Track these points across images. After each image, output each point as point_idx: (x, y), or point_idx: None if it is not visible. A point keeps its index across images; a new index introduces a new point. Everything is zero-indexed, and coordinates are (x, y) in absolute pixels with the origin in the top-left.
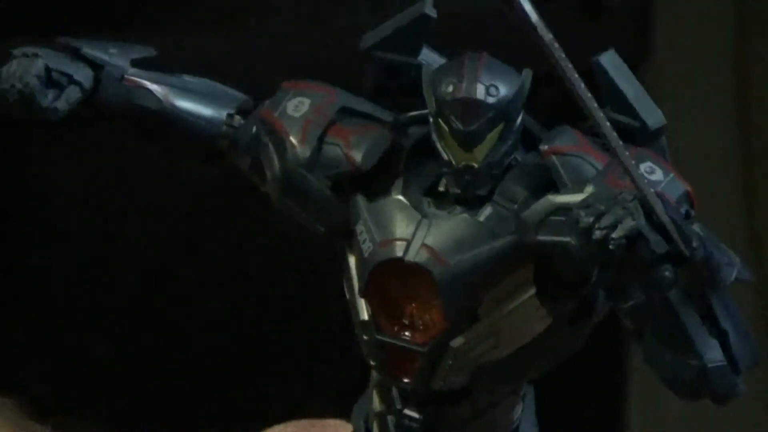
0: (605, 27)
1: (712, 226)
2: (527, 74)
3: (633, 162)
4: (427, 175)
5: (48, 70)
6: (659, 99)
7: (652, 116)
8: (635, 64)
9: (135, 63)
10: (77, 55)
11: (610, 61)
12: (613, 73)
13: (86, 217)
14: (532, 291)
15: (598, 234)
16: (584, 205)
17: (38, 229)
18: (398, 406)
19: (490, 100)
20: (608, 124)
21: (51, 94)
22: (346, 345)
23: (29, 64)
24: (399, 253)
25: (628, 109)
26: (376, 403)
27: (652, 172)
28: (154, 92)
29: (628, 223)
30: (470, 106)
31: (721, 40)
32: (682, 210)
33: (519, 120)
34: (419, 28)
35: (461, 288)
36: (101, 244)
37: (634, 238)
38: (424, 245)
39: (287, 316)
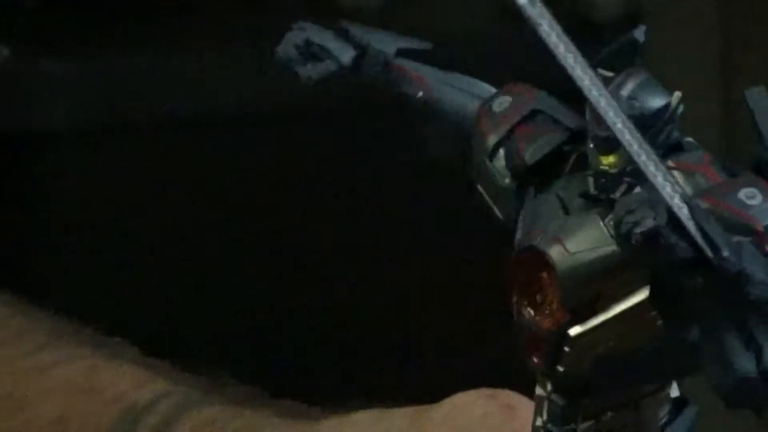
0: (598, 42)
1: None
2: (677, 96)
3: (657, 170)
4: (586, 178)
5: (309, 43)
6: None
7: None
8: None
9: (401, 52)
10: (346, 37)
11: (755, 97)
12: (755, 109)
13: (102, 228)
14: (645, 294)
15: (623, 228)
16: (623, 202)
17: (52, 239)
18: (547, 391)
19: (628, 110)
20: (627, 134)
21: (309, 64)
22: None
23: (293, 36)
24: (535, 241)
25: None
26: (538, 388)
27: (752, 197)
28: (415, 80)
29: (649, 222)
30: None
31: (706, 56)
32: None
33: (664, 133)
34: (630, 49)
35: (578, 279)
36: (117, 254)
37: (653, 236)
38: (555, 237)
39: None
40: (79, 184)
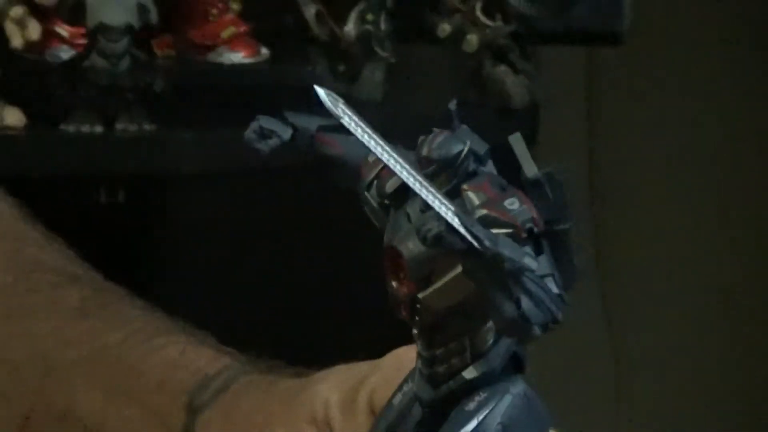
0: (511, 123)
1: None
2: (467, 144)
3: (432, 193)
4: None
5: (262, 128)
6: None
7: (530, 171)
8: (529, 144)
9: (322, 127)
10: (286, 121)
11: (515, 140)
12: (516, 149)
13: (208, 249)
14: (459, 269)
15: (421, 234)
16: (420, 218)
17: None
18: (415, 332)
19: (437, 155)
20: (405, 171)
21: (263, 142)
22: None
23: (253, 125)
24: (393, 242)
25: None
26: (413, 330)
27: (512, 204)
28: (331, 145)
29: (435, 229)
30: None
31: (577, 129)
32: (526, 227)
33: (463, 167)
34: (450, 115)
35: (417, 263)
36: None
37: (438, 238)
38: (403, 239)
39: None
40: (201, 215)
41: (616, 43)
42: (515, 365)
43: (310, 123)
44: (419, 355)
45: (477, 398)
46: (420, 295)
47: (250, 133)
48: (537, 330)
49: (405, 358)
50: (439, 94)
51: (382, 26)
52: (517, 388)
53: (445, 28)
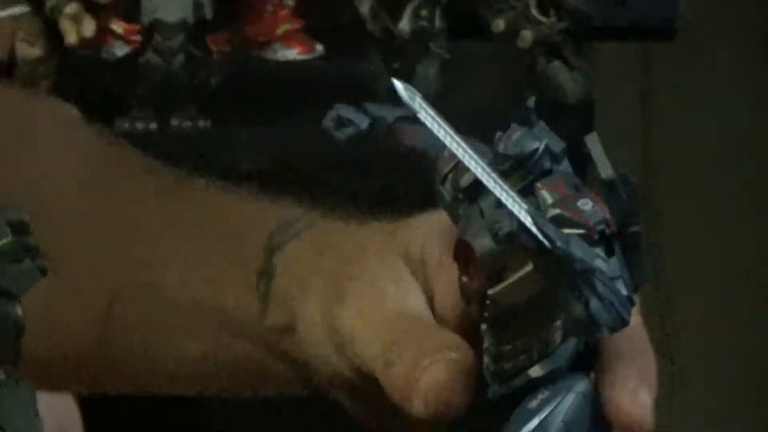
0: (566, 119)
1: None
2: (543, 143)
3: (506, 192)
4: None
5: (340, 117)
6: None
7: (605, 171)
8: (581, 137)
9: (400, 118)
10: (365, 111)
11: (591, 140)
12: (591, 149)
13: None
14: (531, 267)
15: (493, 231)
16: (493, 216)
17: None
18: (484, 327)
19: (513, 151)
20: (479, 168)
21: (340, 130)
22: None
23: (331, 113)
24: (466, 236)
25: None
26: (481, 326)
27: (585, 204)
28: (410, 136)
29: (507, 227)
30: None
31: (632, 128)
32: (599, 228)
33: (538, 165)
34: (528, 111)
35: (490, 258)
36: None
37: (510, 236)
38: (476, 233)
39: None
40: None
41: (670, 38)
42: (581, 364)
43: (388, 113)
44: (487, 351)
45: (540, 396)
46: (490, 291)
47: (327, 121)
48: (605, 331)
49: None
50: (493, 90)
51: (437, 22)
52: (580, 386)
53: (499, 24)
